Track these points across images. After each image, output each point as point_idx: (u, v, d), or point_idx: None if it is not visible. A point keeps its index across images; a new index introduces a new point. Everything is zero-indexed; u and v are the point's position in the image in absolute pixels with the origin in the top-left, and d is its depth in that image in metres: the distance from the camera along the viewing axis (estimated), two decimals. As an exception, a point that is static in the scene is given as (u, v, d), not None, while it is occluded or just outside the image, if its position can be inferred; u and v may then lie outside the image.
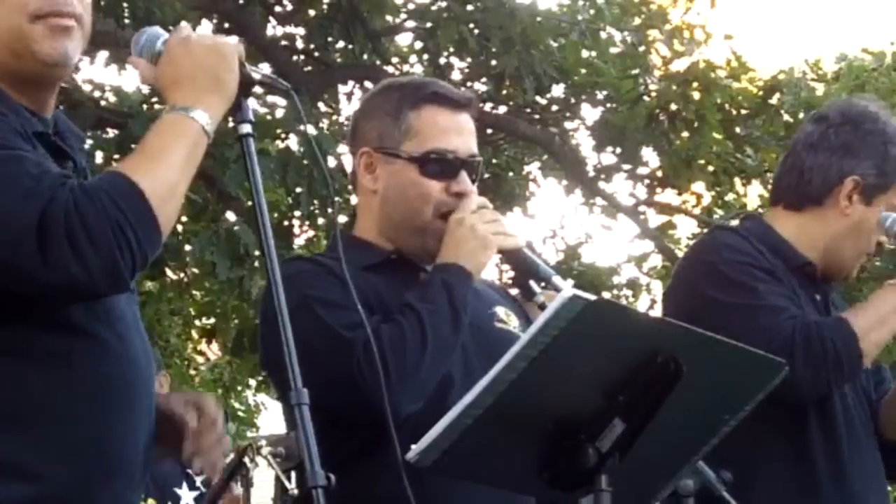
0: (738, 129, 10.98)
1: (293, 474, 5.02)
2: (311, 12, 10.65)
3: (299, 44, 10.89)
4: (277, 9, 10.76)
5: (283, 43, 10.77)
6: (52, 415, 2.43)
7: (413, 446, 2.59)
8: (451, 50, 10.43)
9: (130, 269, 2.36)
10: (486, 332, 3.18)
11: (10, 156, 2.37)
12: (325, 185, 9.10)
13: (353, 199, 10.71)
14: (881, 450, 3.68)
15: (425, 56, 10.81)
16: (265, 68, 9.00)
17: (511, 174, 11.64)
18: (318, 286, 3.06)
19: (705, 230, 11.81)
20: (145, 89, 9.53)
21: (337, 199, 8.50)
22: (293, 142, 9.94)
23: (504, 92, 10.58)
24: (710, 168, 11.04)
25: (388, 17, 10.73)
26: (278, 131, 9.76)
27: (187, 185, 2.48)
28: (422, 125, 3.22)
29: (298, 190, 9.46)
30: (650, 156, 11.21)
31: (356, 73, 10.77)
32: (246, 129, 2.61)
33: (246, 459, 5.24)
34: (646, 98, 10.54)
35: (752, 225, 3.73)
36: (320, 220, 10.65)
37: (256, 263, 9.28)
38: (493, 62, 10.20)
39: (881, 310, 3.55)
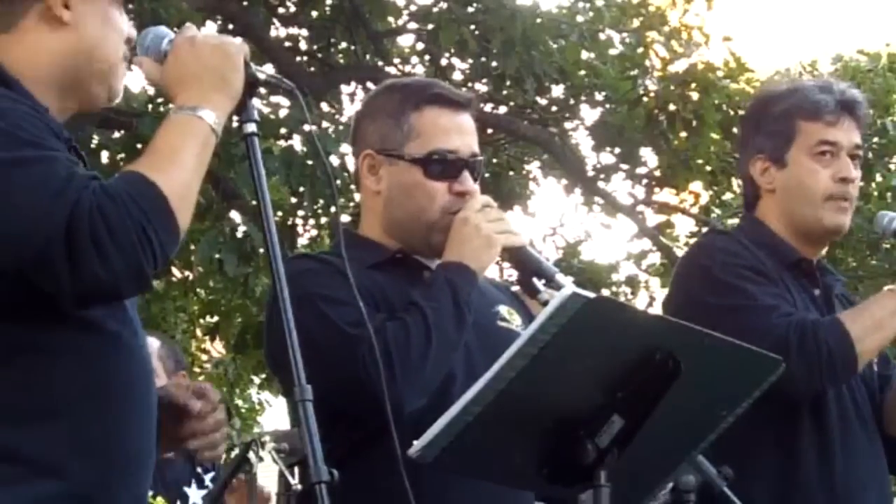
0: (735, 130, 10.97)
1: (297, 469, 5.01)
2: (314, 14, 10.65)
3: (302, 45, 10.89)
4: (281, 10, 10.77)
5: (287, 44, 10.77)
6: (77, 411, 2.44)
7: (415, 442, 2.59)
8: (452, 51, 10.42)
9: (152, 268, 2.37)
10: (488, 331, 3.18)
11: (44, 156, 2.38)
12: (328, 184, 9.10)
13: (356, 198, 10.65)
14: (885, 445, 3.66)
15: (426, 57, 10.81)
16: (269, 69, 8.99)
17: (511, 173, 11.65)
18: (322, 284, 3.06)
19: (703, 229, 11.88)
20: (151, 89, 9.54)
21: (340, 199, 8.51)
22: (296, 141, 9.95)
23: (504, 92, 10.58)
24: (708, 168, 11.05)
25: (390, 19, 10.73)
26: (282, 131, 9.76)
27: (199, 185, 2.49)
28: (423, 126, 3.22)
29: (301, 189, 9.46)
30: (649, 156, 11.22)
31: (358, 73, 10.77)
32: (251, 128, 2.61)
33: (251, 454, 5.23)
34: (644, 99, 10.54)
35: (746, 225, 3.73)
36: (323, 219, 10.65)
37: (261, 262, 9.28)
38: (494, 63, 10.20)
39: (877, 315, 3.50)
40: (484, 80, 10.50)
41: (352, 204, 10.20)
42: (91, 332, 2.47)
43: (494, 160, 11.23)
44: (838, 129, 3.60)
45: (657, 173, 11.33)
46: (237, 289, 10.44)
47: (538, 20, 10.14)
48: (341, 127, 10.70)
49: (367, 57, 10.65)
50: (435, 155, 3.20)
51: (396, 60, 10.92)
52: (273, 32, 10.65)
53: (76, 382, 2.44)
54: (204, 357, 15.59)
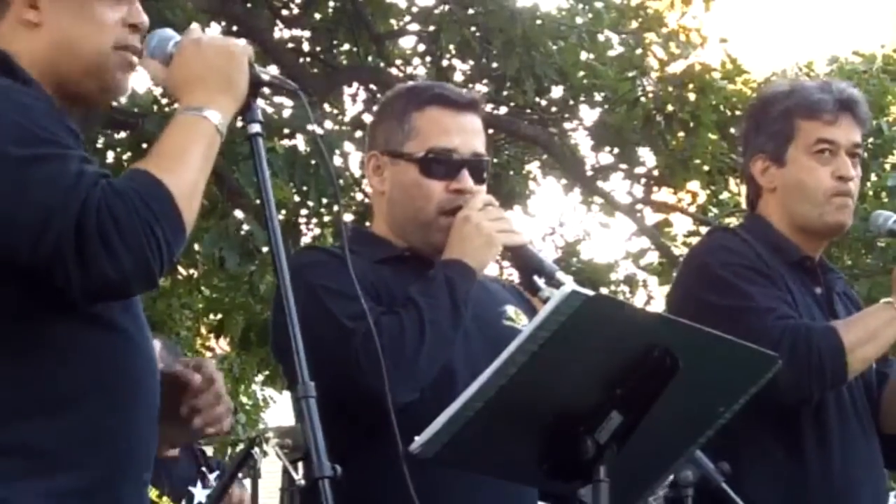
0: (732, 130, 10.97)
1: (300, 465, 5.02)
2: (317, 16, 10.65)
3: (305, 46, 10.89)
4: (284, 12, 10.76)
5: (290, 46, 10.77)
6: (84, 405, 2.44)
7: (416, 438, 2.59)
8: (453, 52, 10.42)
9: (160, 267, 2.37)
10: (493, 329, 3.18)
11: (58, 154, 2.38)
12: (330, 182, 9.10)
13: (359, 197, 10.63)
14: (882, 443, 3.65)
15: (428, 59, 10.81)
16: (272, 70, 8.99)
17: (512, 173, 11.64)
18: (328, 276, 3.07)
19: (701, 228, 11.89)
20: (156, 90, 9.54)
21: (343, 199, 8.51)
22: (299, 141, 9.96)
23: (505, 93, 10.58)
24: (706, 167, 11.05)
25: (392, 21, 10.73)
26: (285, 131, 9.76)
27: (205, 184, 2.49)
28: (423, 126, 3.23)
29: (305, 188, 9.46)
30: (647, 155, 11.22)
31: (360, 75, 10.78)
32: (255, 128, 2.61)
33: (254, 450, 5.24)
34: (643, 99, 10.54)
35: (751, 224, 3.72)
36: (326, 218, 10.66)
37: (265, 260, 9.27)
38: (495, 64, 10.20)
39: (872, 325, 3.48)
40: (484, 82, 10.50)
41: (354, 204, 10.22)
42: (99, 327, 2.47)
43: (495, 160, 11.23)
44: (837, 128, 3.60)
45: (655, 173, 11.33)
46: (241, 286, 10.44)
47: (538, 22, 10.14)
48: (344, 127, 10.72)
49: (369, 58, 10.65)
50: (432, 153, 3.21)
51: (398, 62, 10.92)
52: (277, 34, 10.65)
53: (84, 377, 2.44)
54: (208, 354, 15.60)
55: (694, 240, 11.96)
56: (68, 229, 2.30)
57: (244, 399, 16.47)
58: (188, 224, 2.41)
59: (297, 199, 10.16)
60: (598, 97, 10.83)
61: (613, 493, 2.63)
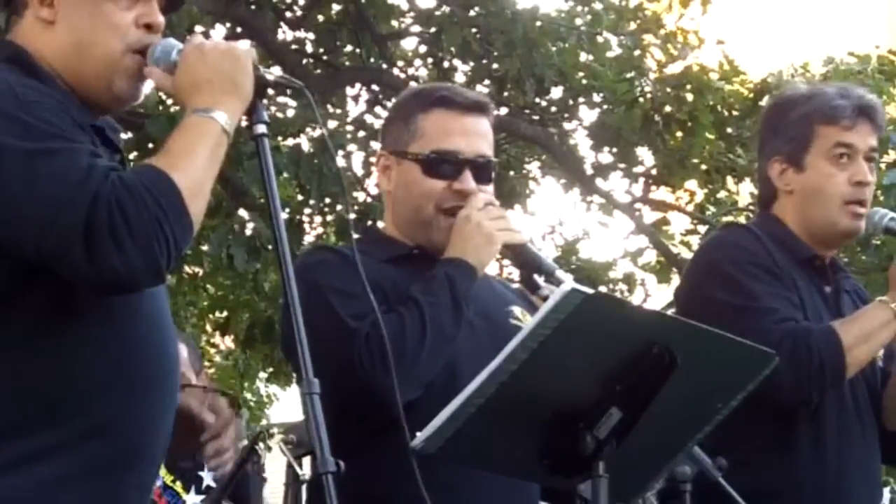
0: (729, 130, 10.97)
1: (305, 461, 5.02)
2: (321, 18, 10.64)
3: (309, 48, 10.88)
4: (288, 14, 10.75)
5: (294, 47, 10.76)
6: (96, 395, 2.45)
7: (418, 434, 2.59)
8: (454, 53, 10.41)
9: (167, 262, 2.37)
10: (500, 327, 3.19)
11: (67, 147, 2.38)
12: (336, 181, 9.11)
13: (360, 197, 10.60)
14: (884, 439, 3.64)
15: (429, 60, 10.80)
16: (276, 71, 8.98)
17: (512, 173, 11.63)
18: (335, 276, 3.07)
19: (698, 226, 11.89)
20: (162, 93, 9.52)
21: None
22: (303, 140, 9.95)
23: (505, 94, 10.57)
24: (703, 167, 11.04)
25: (394, 23, 10.72)
26: (288, 131, 9.75)
27: (212, 183, 2.49)
28: (427, 127, 3.24)
29: (308, 187, 9.45)
30: (645, 155, 11.21)
31: (363, 75, 10.77)
32: (261, 129, 2.61)
33: (258, 446, 5.23)
34: (641, 100, 10.53)
35: (763, 221, 3.73)
36: (329, 217, 10.65)
37: (270, 258, 9.27)
38: (495, 66, 10.19)
39: (867, 326, 3.49)
40: (485, 82, 10.49)
41: (356, 204, 10.21)
42: (111, 324, 2.48)
43: (497, 159, 11.22)
44: (854, 133, 3.61)
45: (653, 172, 11.32)
46: (246, 284, 10.43)
47: (538, 23, 10.13)
48: (347, 127, 10.72)
49: (372, 59, 10.64)
50: (434, 154, 3.21)
51: (400, 63, 10.91)
52: (280, 35, 10.64)
53: (91, 371, 2.45)
54: (213, 350, 15.60)
55: (692, 238, 11.98)
56: (77, 223, 2.31)
57: (248, 395, 16.47)
58: (195, 221, 2.42)
59: (300, 197, 10.16)
60: (597, 98, 10.81)
61: (613, 489, 2.63)
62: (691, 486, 3.24)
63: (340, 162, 10.11)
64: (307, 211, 10.53)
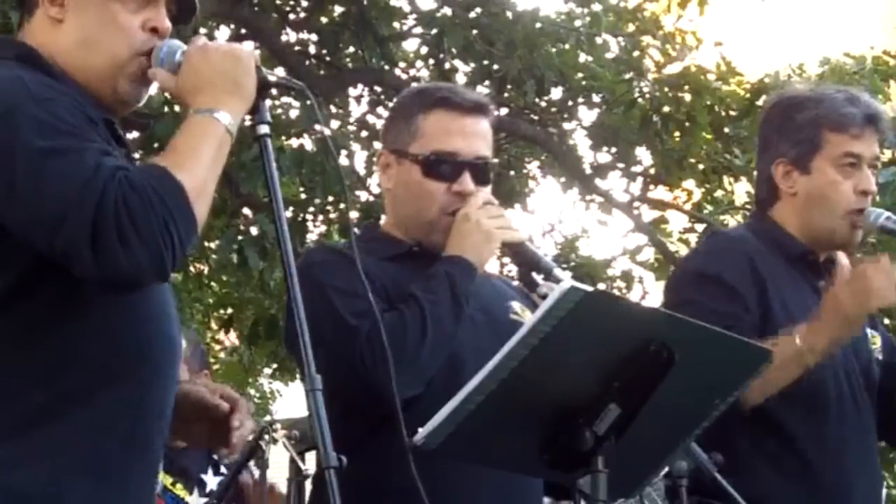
0: (726, 130, 10.96)
1: (308, 456, 5.01)
2: (324, 19, 10.64)
3: (312, 49, 10.87)
4: (291, 16, 10.75)
5: (297, 48, 10.76)
6: (99, 388, 2.45)
7: (420, 429, 2.59)
8: (455, 53, 10.41)
9: (172, 260, 2.38)
10: (501, 323, 3.19)
11: (78, 146, 2.39)
12: (338, 181, 9.11)
13: (363, 197, 10.58)
14: (886, 423, 3.62)
15: (431, 60, 10.80)
16: (279, 72, 8.99)
17: (512, 173, 11.63)
18: (336, 275, 3.08)
19: (696, 224, 11.89)
20: (167, 93, 9.49)
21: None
22: (306, 140, 9.95)
23: (506, 94, 10.57)
24: (701, 166, 11.04)
25: (396, 24, 10.72)
26: (292, 131, 9.75)
27: (215, 183, 2.49)
28: (427, 128, 3.25)
29: (313, 186, 9.45)
30: (644, 155, 11.20)
31: (365, 76, 10.76)
32: (264, 129, 2.61)
33: (262, 442, 5.23)
34: (640, 100, 10.53)
35: (756, 222, 3.74)
36: (332, 215, 10.65)
37: (275, 256, 9.25)
38: (496, 66, 10.19)
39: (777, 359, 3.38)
40: (486, 83, 10.49)
41: (358, 203, 10.21)
42: (118, 317, 2.48)
43: (496, 160, 11.21)
44: (862, 142, 3.61)
45: (652, 172, 11.32)
46: (251, 282, 10.42)
47: (538, 25, 10.13)
48: (350, 127, 10.72)
49: (374, 60, 10.64)
50: (433, 156, 3.22)
51: (402, 64, 10.91)
52: (284, 37, 10.63)
53: (96, 358, 2.45)
54: (217, 347, 15.61)
55: (689, 236, 11.98)
56: (85, 222, 2.31)
57: (252, 391, 16.48)
58: (200, 220, 2.42)
59: (303, 196, 10.16)
60: (596, 98, 10.81)
61: (612, 484, 2.63)
62: (688, 481, 3.24)
63: (343, 162, 10.10)
64: (310, 209, 10.54)
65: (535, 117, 11.01)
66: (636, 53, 10.73)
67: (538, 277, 3.13)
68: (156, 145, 8.38)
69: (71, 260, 2.35)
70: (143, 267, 2.35)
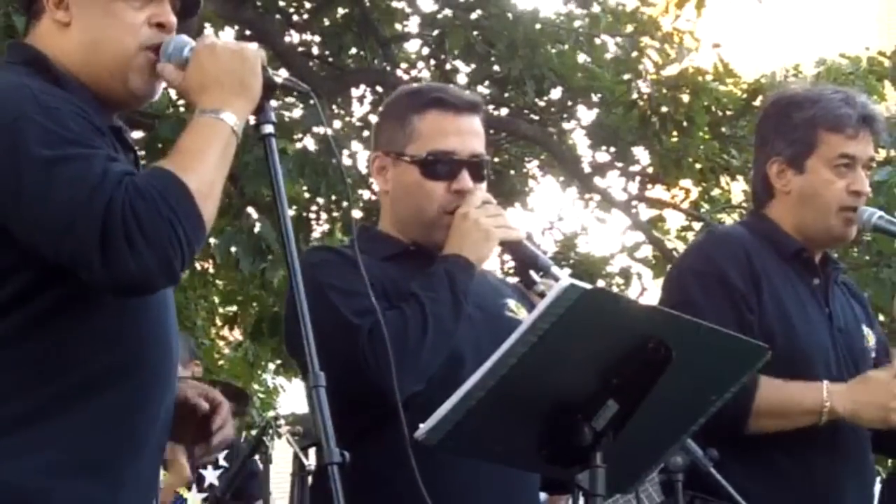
0: (723, 130, 10.97)
1: (311, 452, 5.02)
2: (327, 21, 10.64)
3: (315, 50, 10.88)
4: (295, 18, 10.75)
5: (300, 49, 10.76)
6: (98, 387, 2.46)
7: (421, 425, 2.60)
8: (456, 54, 10.41)
9: (181, 263, 2.38)
10: (497, 320, 3.19)
11: (84, 154, 2.39)
12: (340, 181, 9.10)
13: (366, 196, 10.56)
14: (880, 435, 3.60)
15: (432, 61, 10.80)
16: (283, 73, 8.97)
17: (512, 172, 11.63)
18: (336, 275, 3.07)
19: (693, 223, 11.89)
20: (172, 92, 9.51)
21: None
22: (309, 141, 9.95)
23: (506, 95, 10.57)
24: (698, 166, 11.03)
25: (398, 26, 10.72)
26: (295, 136, 9.75)
27: (222, 184, 2.49)
28: (423, 128, 3.24)
29: (317, 185, 9.44)
30: (642, 154, 11.21)
31: (368, 77, 10.76)
32: (268, 129, 2.61)
33: (266, 437, 5.25)
34: (638, 101, 10.53)
35: (752, 220, 3.74)
36: (336, 214, 10.65)
37: (277, 255, 9.25)
38: (496, 67, 10.19)
39: (789, 405, 3.43)
40: (486, 84, 10.49)
41: (361, 202, 10.21)
42: (123, 318, 2.49)
43: (496, 159, 11.21)
44: (857, 143, 3.60)
45: (650, 171, 11.32)
46: (254, 280, 10.43)
47: (538, 26, 10.13)
48: (354, 126, 10.72)
49: (376, 61, 10.64)
50: (431, 156, 3.21)
51: (404, 65, 10.91)
52: (287, 38, 10.63)
53: (102, 362, 2.46)
54: (222, 343, 15.60)
55: (686, 234, 11.98)
56: (93, 228, 2.31)
57: (256, 386, 16.48)
58: (208, 221, 2.42)
59: (307, 195, 10.16)
60: (595, 99, 10.81)
61: (610, 479, 2.64)
62: (683, 476, 3.24)
63: (346, 161, 10.10)
64: (314, 208, 10.54)
65: (535, 117, 11.01)
66: (635, 54, 10.73)
67: (536, 276, 3.13)
68: (160, 146, 8.37)
69: (79, 266, 2.35)
70: (152, 270, 2.35)
